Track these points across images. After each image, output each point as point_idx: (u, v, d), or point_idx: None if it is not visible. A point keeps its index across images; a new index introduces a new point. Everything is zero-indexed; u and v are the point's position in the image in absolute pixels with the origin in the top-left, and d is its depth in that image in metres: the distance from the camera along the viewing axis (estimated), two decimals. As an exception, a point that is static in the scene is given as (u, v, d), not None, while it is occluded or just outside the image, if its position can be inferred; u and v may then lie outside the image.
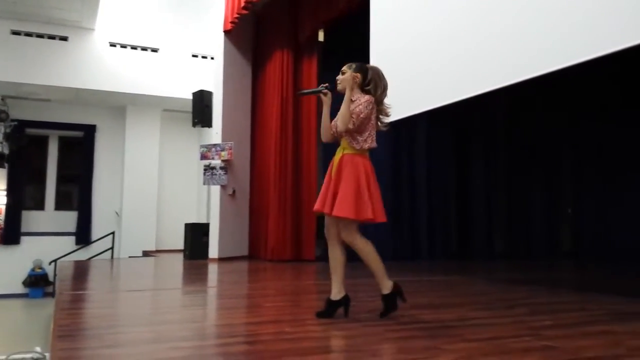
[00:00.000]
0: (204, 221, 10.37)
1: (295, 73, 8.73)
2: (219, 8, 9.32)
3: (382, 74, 3.42)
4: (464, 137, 9.83)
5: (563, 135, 10.06)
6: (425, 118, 8.07)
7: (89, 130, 12.91)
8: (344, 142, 3.37)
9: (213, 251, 8.67)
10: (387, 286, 3.24)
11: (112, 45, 11.81)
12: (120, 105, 12.86)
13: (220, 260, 8.49)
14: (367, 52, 6.68)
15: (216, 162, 8.88)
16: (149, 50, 12.09)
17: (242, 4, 8.44)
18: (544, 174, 10.12)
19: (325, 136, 3.51)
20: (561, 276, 6.97)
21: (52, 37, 11.31)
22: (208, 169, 8.96)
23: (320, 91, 3.45)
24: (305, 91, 3.61)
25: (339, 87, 3.41)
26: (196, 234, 8.96)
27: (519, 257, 9.51)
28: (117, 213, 12.82)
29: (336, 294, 3.31)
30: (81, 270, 7.11)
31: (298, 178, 8.53)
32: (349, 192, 3.15)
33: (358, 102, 3.30)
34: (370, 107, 3.30)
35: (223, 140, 8.90)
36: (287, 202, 8.34)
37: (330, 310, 3.29)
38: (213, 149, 8.94)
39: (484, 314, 3.52)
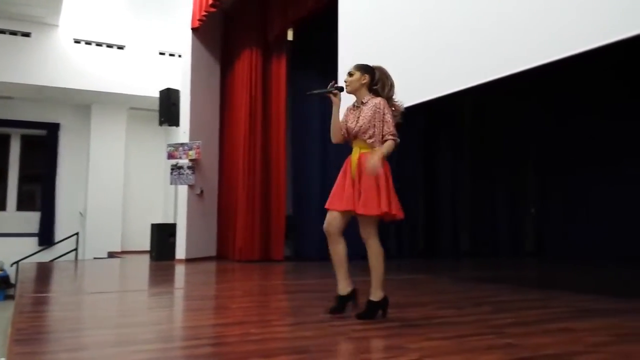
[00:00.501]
0: (171, 221, 10.25)
1: (264, 72, 8.70)
2: (186, 5, 9.21)
3: (388, 73, 3.49)
4: (430, 137, 9.93)
5: (527, 134, 10.26)
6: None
7: (53, 129, 12.61)
8: (360, 142, 3.39)
9: (180, 252, 8.56)
10: (378, 295, 3.29)
11: (77, 42, 11.57)
12: (85, 104, 12.61)
13: (188, 261, 8.39)
14: (336, 51, 6.70)
15: (183, 161, 8.78)
16: (115, 47, 11.88)
17: (210, 2, 8.36)
18: (509, 174, 10.29)
19: (335, 137, 3.54)
20: (524, 274, 7.11)
21: (14, 33, 11.00)
22: (175, 168, 8.85)
23: (330, 92, 3.48)
24: (315, 91, 3.61)
25: (348, 89, 3.46)
26: (163, 234, 8.83)
27: (485, 256, 9.66)
28: (81, 213, 12.57)
29: (344, 288, 3.40)
30: (44, 272, 6.95)
31: (267, 178, 8.50)
32: (374, 191, 3.21)
33: (377, 110, 3.32)
34: (389, 108, 3.36)
35: (191, 140, 8.81)
36: (256, 202, 8.30)
37: (340, 305, 3.39)
38: (180, 148, 8.83)
39: (448, 313, 3.56)
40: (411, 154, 9.52)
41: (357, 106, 3.45)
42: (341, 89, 3.47)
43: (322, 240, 9.55)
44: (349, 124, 3.44)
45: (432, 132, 9.95)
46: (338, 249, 3.37)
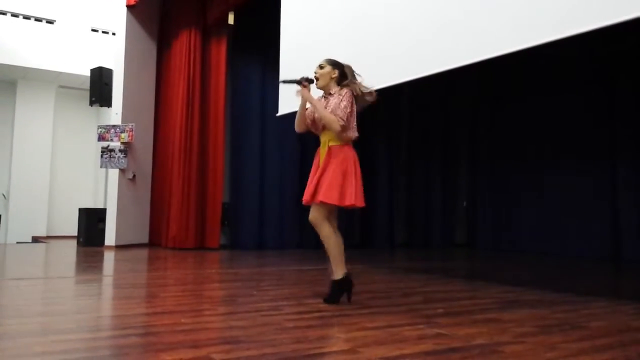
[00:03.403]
0: (100, 206, 9.89)
1: (203, 55, 8.48)
2: (122, -19, 8.84)
3: (354, 72, 3.58)
4: (367, 131, 9.99)
5: (461, 129, 10.55)
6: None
7: (-27, 105, 11.91)
8: (328, 134, 3.45)
9: (110, 238, 8.27)
10: (339, 274, 3.39)
11: (2, 13, 10.92)
12: (10, 80, 11.92)
13: (118, 247, 8.12)
14: (278, 37, 6.62)
15: (115, 144, 8.45)
16: (44, 21, 11.29)
17: (148, -21, 8.07)
18: (443, 167, 10.54)
19: (299, 126, 3.61)
20: (455, 266, 7.30)
21: None
22: (106, 151, 8.51)
23: (299, 82, 3.48)
24: (287, 80, 3.60)
25: (319, 82, 3.51)
26: (92, 219, 8.50)
27: (418, 247, 9.88)
28: (4, 195, 11.93)
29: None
30: (-41, 257, 6.54)
31: (204, 163, 8.33)
32: (334, 180, 3.30)
33: (339, 98, 3.40)
34: (352, 100, 3.43)
35: (123, 121, 8.49)
36: (192, 188, 8.12)
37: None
38: (112, 130, 8.50)
39: (381, 302, 3.59)
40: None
41: (325, 97, 3.53)
42: (311, 81, 3.50)
43: (259, 229, 9.43)
44: (315, 115, 3.48)
45: (369, 126, 10.02)
46: (330, 239, 3.45)
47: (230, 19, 8.52)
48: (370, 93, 3.53)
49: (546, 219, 8.53)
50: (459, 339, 2.51)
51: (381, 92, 5.23)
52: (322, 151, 3.47)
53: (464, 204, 10.64)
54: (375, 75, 5.12)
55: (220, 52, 8.46)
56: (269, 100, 8.27)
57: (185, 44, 8.36)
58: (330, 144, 3.43)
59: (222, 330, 2.72)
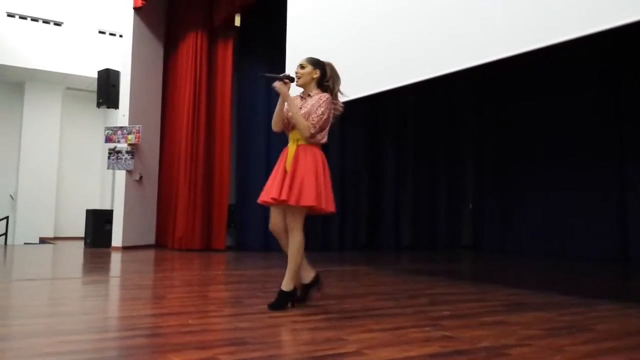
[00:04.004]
0: (107, 207, 9.93)
1: (209, 56, 8.51)
2: (129, -17, 8.89)
3: (336, 70, 3.52)
4: (375, 134, 10.01)
5: (468, 132, 10.52)
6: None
7: (-18, 107, 11.98)
8: (297, 134, 3.38)
9: (117, 239, 8.30)
10: (289, 286, 3.30)
11: (10, 15, 10.99)
12: (17, 81, 12.00)
13: (125, 248, 8.16)
14: (284, 39, 6.63)
15: (122, 145, 8.49)
16: (52, 23, 11.36)
17: (155, -18, 8.10)
18: (449, 170, 10.51)
19: (276, 125, 3.52)
20: (461, 268, 7.29)
21: (-61, 2, 10.35)
22: (113, 152, 8.55)
23: (281, 79, 3.42)
24: (267, 74, 3.56)
25: (299, 81, 3.45)
26: (99, 220, 8.54)
27: (424, 249, 9.86)
28: (12, 196, 12.00)
29: (306, 277, 3.47)
30: (-33, 258, 6.58)
31: (210, 165, 8.35)
32: (310, 181, 3.21)
33: (318, 102, 3.34)
34: (331, 106, 3.38)
35: (130, 123, 8.53)
36: (198, 189, 8.14)
37: (305, 294, 3.46)
38: (119, 131, 8.54)
39: (387, 304, 3.59)
40: (356, 149, 9.56)
41: (303, 97, 3.46)
42: (292, 80, 3.44)
43: (265, 230, 9.45)
44: (289, 114, 3.41)
45: (377, 129, 10.03)
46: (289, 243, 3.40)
47: (237, 21, 8.55)
48: (337, 113, 3.47)
49: (553, 220, 8.49)
50: (465, 342, 2.51)
51: (387, 93, 5.28)
52: (290, 150, 3.38)
53: (470, 206, 10.61)
54: (382, 77, 5.15)
55: (226, 54, 8.49)
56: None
57: (191, 45, 8.39)
58: (299, 142, 3.36)
59: (228, 332, 2.73)
